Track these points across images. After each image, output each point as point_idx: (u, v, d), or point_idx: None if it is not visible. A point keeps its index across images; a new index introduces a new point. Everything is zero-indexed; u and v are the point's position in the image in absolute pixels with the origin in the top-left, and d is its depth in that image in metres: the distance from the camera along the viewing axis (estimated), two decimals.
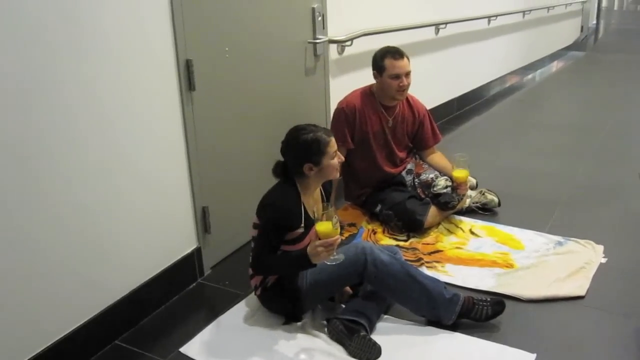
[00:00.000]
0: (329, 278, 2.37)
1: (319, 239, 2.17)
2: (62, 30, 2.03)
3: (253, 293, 2.55)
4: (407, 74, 3.22)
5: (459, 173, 3.10)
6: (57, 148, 2.07)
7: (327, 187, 2.61)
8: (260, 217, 2.38)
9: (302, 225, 2.37)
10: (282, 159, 2.43)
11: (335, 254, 2.20)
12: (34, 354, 2.09)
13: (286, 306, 2.45)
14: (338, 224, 2.17)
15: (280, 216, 2.32)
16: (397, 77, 3.19)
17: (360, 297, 2.46)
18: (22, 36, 1.90)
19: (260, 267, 2.39)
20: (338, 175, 2.44)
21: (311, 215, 2.40)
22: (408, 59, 3.23)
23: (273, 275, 2.42)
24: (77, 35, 2.09)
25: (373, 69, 3.27)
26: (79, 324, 2.25)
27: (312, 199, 2.47)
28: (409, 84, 3.25)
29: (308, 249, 2.19)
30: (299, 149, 2.34)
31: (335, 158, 2.38)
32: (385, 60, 3.20)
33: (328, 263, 2.23)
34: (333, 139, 2.39)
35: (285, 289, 2.41)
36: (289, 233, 2.35)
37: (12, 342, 2.01)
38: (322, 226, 2.14)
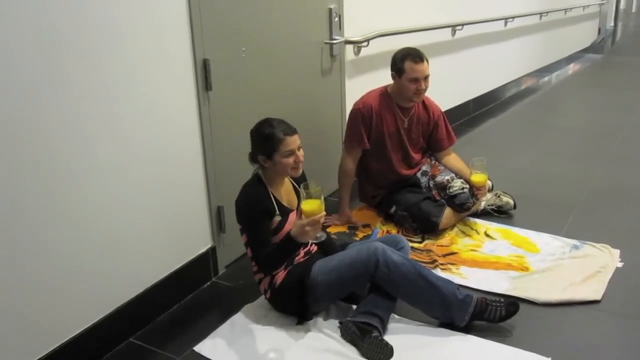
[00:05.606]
0: (339, 279, 2.38)
1: (304, 218, 2.17)
2: (76, 30, 2.05)
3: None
4: (426, 78, 3.20)
5: (478, 177, 3.08)
6: (70, 148, 2.08)
7: (297, 179, 2.55)
8: (239, 219, 2.41)
9: (278, 213, 2.38)
10: None
11: (319, 232, 2.22)
12: (49, 350, 2.11)
13: (297, 307, 2.46)
14: (323, 201, 2.17)
15: (252, 207, 2.35)
16: (416, 80, 3.17)
17: (372, 298, 2.44)
18: (34, 36, 1.92)
19: (262, 264, 2.40)
20: (298, 173, 2.42)
21: (284, 204, 2.43)
22: (428, 62, 3.21)
23: (277, 270, 2.42)
24: (90, 35, 2.10)
25: (392, 70, 3.25)
26: (94, 322, 2.27)
27: (283, 190, 2.48)
28: (426, 87, 3.24)
29: (292, 230, 2.22)
30: (255, 141, 2.40)
31: (290, 157, 2.34)
32: (405, 63, 3.18)
33: (313, 242, 2.24)
34: (290, 139, 2.34)
35: (294, 290, 2.41)
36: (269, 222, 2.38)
37: (28, 339, 2.04)
38: (307, 205, 2.16)
